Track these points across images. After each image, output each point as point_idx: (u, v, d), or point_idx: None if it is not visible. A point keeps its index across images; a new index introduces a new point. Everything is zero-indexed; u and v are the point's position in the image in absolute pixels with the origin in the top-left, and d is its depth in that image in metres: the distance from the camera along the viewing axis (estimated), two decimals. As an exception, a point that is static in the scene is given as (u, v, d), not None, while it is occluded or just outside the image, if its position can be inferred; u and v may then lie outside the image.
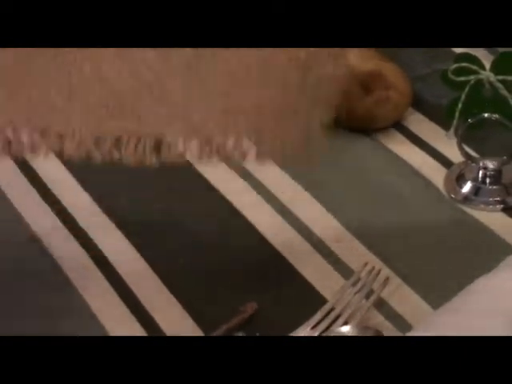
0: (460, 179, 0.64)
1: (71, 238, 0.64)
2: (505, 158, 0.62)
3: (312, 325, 0.54)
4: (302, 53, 0.63)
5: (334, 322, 0.54)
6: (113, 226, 0.64)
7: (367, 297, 0.55)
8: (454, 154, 0.65)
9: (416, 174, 0.66)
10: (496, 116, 0.62)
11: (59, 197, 0.68)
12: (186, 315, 0.57)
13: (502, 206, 0.62)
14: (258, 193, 0.66)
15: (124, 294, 0.59)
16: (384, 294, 0.56)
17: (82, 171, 0.69)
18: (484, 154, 0.64)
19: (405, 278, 0.57)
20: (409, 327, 0.54)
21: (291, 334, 0.54)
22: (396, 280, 0.57)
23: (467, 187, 0.63)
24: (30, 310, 0.59)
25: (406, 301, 0.56)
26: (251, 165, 0.67)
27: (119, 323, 0.57)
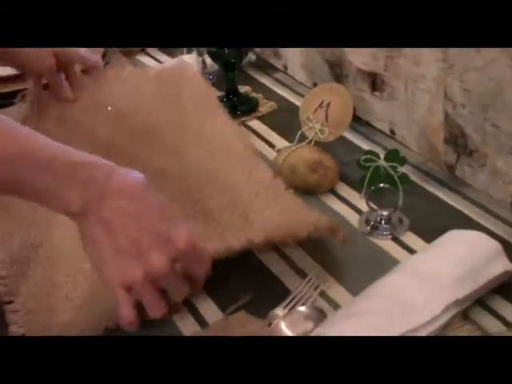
0: (367, 221, 0.64)
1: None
2: (392, 209, 0.62)
3: (283, 306, 0.54)
4: None
5: (296, 304, 0.54)
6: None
7: (315, 289, 0.55)
8: (363, 206, 0.64)
9: (342, 218, 0.65)
10: (386, 185, 0.62)
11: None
12: (210, 300, 0.56)
13: (391, 236, 0.62)
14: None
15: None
16: (324, 288, 0.56)
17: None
18: (381, 207, 0.63)
19: (336, 278, 0.58)
20: (338, 307, 0.54)
21: (270, 312, 0.53)
22: (331, 279, 0.57)
23: (371, 226, 0.63)
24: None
25: (337, 292, 0.56)
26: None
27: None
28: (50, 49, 0.75)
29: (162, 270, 0.47)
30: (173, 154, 0.72)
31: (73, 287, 0.56)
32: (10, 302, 0.55)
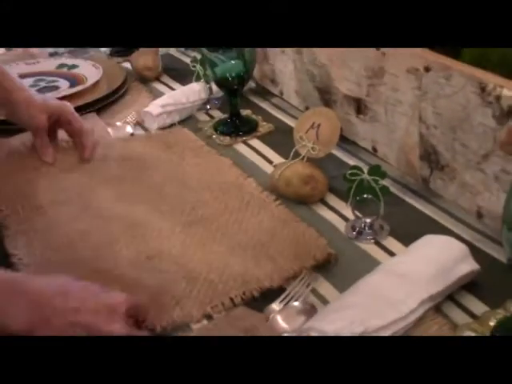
0: (353, 227, 0.64)
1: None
2: (374, 217, 0.62)
3: (279, 301, 0.53)
4: None
5: (290, 299, 0.53)
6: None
7: (307, 287, 0.55)
8: (349, 215, 0.64)
9: (331, 225, 0.65)
10: (370, 196, 0.62)
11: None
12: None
13: (373, 240, 0.62)
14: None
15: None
16: (315, 285, 0.56)
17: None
18: (364, 215, 0.63)
19: (325, 277, 0.57)
20: (327, 302, 0.54)
21: (268, 307, 0.53)
22: (321, 278, 0.57)
23: (356, 231, 0.63)
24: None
25: (326, 289, 0.56)
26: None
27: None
28: (44, 109, 0.71)
29: (122, 332, 0.45)
30: (171, 175, 0.73)
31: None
32: None
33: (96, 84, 0.96)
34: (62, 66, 1.04)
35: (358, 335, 0.46)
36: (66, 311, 0.44)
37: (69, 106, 0.77)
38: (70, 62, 1.06)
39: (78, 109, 0.89)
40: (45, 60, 1.08)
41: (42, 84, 0.98)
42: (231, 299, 0.53)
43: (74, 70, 1.02)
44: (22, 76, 1.01)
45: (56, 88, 0.96)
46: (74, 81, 0.98)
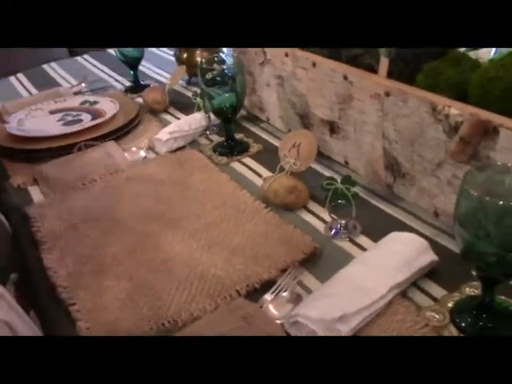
0: (330, 228, 0.63)
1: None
2: (348, 218, 0.62)
3: (271, 292, 0.53)
4: None
5: (280, 290, 0.53)
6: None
7: (294, 279, 0.54)
8: (327, 217, 0.63)
9: (312, 227, 0.64)
10: (343, 201, 0.61)
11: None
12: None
13: (348, 238, 0.61)
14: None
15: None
16: (300, 278, 0.55)
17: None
18: (339, 217, 0.62)
19: (309, 271, 0.56)
20: (311, 291, 0.53)
21: (262, 297, 0.51)
22: (305, 272, 0.56)
23: (333, 231, 0.62)
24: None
25: (310, 281, 0.55)
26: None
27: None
28: None
29: None
30: (181, 189, 0.72)
31: (118, 290, 0.54)
32: (74, 304, 0.53)
33: (114, 116, 0.96)
34: (84, 102, 1.04)
35: (337, 318, 0.45)
36: None
37: None
38: (91, 98, 1.05)
39: (99, 138, 0.89)
40: (70, 98, 1.08)
41: (69, 118, 0.98)
42: (237, 291, 0.52)
43: (95, 106, 1.01)
44: (53, 112, 1.01)
45: (80, 121, 0.96)
46: (95, 114, 0.98)
